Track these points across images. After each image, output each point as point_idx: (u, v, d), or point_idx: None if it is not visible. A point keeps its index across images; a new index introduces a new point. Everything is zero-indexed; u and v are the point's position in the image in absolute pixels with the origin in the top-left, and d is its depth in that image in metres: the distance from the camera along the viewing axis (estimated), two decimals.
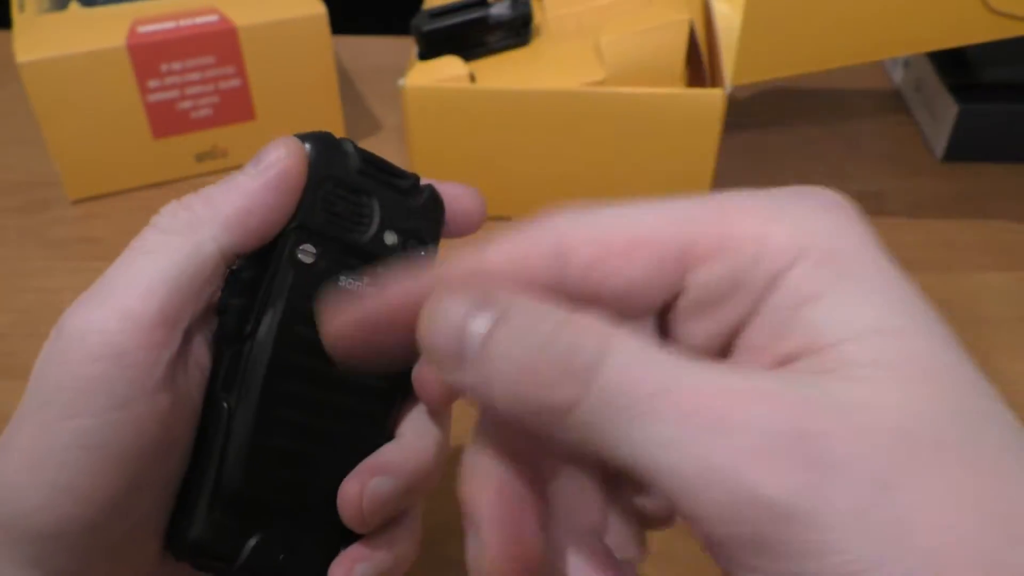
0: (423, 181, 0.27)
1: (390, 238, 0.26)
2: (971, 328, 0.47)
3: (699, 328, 0.18)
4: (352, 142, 0.26)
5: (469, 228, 0.27)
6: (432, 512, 0.38)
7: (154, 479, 0.23)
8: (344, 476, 0.25)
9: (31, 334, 0.46)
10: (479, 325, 0.17)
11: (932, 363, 0.16)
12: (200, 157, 0.57)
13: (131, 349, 0.21)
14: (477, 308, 0.17)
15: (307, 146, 0.24)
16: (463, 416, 0.29)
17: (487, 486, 0.18)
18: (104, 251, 0.52)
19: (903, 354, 0.16)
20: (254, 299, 0.24)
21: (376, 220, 0.25)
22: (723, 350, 0.18)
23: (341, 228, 0.25)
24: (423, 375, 0.25)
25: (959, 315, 0.48)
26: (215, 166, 0.58)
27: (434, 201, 0.27)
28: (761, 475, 0.14)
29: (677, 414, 0.15)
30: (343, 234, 0.25)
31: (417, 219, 0.26)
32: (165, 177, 0.57)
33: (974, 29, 0.45)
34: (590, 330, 0.16)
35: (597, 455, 0.16)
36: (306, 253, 0.24)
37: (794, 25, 0.46)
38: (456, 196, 0.27)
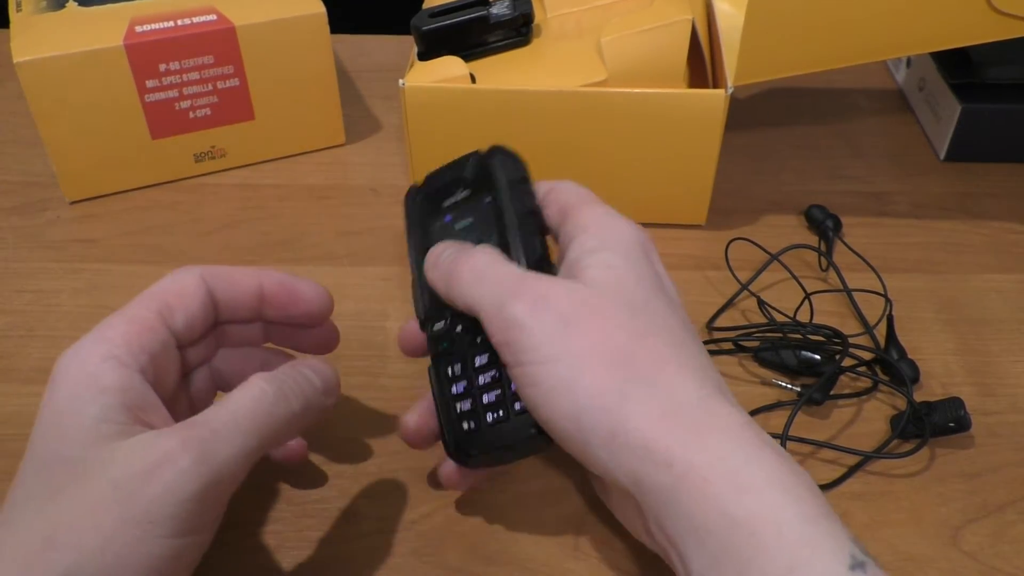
0: (479, 151, 0.37)
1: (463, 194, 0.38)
2: (973, 330, 0.47)
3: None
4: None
5: (316, 322, 0.37)
6: (428, 516, 0.38)
7: None
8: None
9: (28, 336, 0.46)
10: (446, 256, 0.35)
11: (621, 289, 0.32)
12: (199, 157, 0.57)
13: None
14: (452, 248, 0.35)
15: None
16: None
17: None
18: (102, 252, 0.52)
19: (607, 281, 0.32)
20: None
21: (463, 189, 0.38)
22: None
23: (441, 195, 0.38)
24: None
25: (961, 316, 0.48)
26: (214, 167, 0.57)
27: (492, 157, 0.37)
28: (514, 308, 0.31)
29: (493, 282, 0.32)
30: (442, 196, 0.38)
31: (479, 177, 0.37)
32: (163, 178, 0.57)
33: (978, 29, 0.45)
34: (465, 250, 0.34)
35: (466, 305, 0.33)
36: (415, 196, 0.39)
37: (797, 25, 0.45)
38: (304, 295, 0.36)
